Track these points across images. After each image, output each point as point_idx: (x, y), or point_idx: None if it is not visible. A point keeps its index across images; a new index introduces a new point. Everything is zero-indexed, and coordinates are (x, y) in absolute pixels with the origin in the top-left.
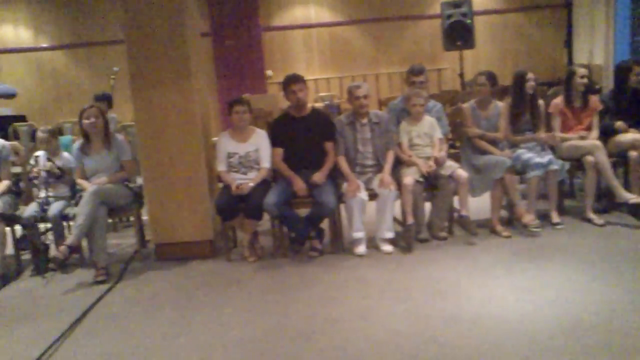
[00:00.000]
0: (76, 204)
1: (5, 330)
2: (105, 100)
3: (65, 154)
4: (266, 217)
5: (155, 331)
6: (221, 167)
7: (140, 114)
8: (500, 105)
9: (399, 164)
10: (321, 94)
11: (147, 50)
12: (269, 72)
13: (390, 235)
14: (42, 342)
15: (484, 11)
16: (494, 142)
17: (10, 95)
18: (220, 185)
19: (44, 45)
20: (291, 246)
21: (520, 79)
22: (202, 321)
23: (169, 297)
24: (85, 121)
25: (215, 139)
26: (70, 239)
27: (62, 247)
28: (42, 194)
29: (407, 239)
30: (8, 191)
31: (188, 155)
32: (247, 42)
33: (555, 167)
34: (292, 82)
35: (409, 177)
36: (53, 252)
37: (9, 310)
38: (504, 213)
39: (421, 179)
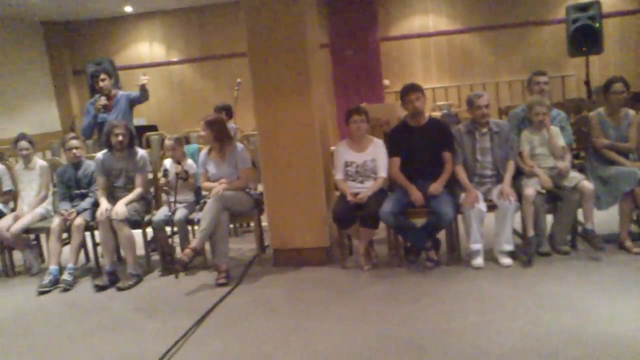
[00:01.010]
0: (200, 209)
1: (137, 325)
2: (224, 110)
3: (190, 161)
4: (382, 225)
5: (271, 335)
6: (339, 175)
7: (261, 124)
8: (631, 114)
9: (519, 174)
10: (439, 103)
11: (268, 62)
12: (386, 82)
13: (509, 248)
14: (168, 339)
15: (614, 13)
16: (623, 153)
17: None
18: (337, 193)
19: (174, 59)
20: (407, 256)
21: None
22: (315, 327)
23: (285, 302)
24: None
25: (333, 147)
26: (194, 242)
27: (187, 250)
28: (171, 198)
29: (527, 253)
30: (139, 198)
31: (306, 163)
32: (365, 52)
33: None
34: (410, 90)
35: (530, 188)
36: (178, 254)
37: (141, 306)
38: (634, 228)
39: (543, 191)
